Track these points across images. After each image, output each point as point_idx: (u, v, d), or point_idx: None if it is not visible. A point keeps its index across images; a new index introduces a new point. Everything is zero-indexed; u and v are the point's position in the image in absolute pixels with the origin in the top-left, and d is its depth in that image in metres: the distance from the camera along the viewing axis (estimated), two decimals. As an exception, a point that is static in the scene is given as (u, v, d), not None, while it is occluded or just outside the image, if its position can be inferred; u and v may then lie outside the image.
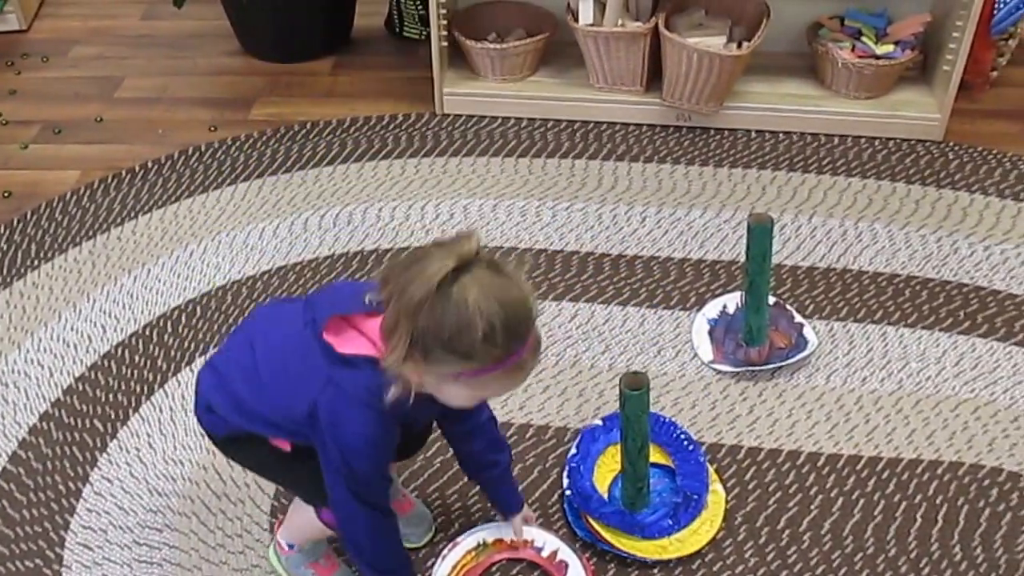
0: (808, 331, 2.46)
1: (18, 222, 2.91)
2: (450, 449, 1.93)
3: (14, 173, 3.13)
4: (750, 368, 2.39)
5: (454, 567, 1.99)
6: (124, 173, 3.08)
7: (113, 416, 2.35)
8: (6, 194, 3.03)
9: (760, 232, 2.25)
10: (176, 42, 3.78)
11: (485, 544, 2.02)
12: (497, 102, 3.28)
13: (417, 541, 2.09)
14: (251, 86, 3.52)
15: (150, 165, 3.11)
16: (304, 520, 1.88)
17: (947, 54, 3.06)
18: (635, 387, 1.86)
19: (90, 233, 2.86)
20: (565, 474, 2.15)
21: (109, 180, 3.06)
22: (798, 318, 2.49)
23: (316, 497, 1.76)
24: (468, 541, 2.01)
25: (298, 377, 1.60)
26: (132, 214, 2.93)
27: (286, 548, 2.00)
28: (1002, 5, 3.08)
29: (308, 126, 3.26)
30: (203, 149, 3.17)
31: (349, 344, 1.57)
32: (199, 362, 2.47)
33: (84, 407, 2.37)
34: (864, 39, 3.16)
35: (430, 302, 1.41)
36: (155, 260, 2.77)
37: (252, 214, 2.91)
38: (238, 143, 3.19)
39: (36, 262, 2.77)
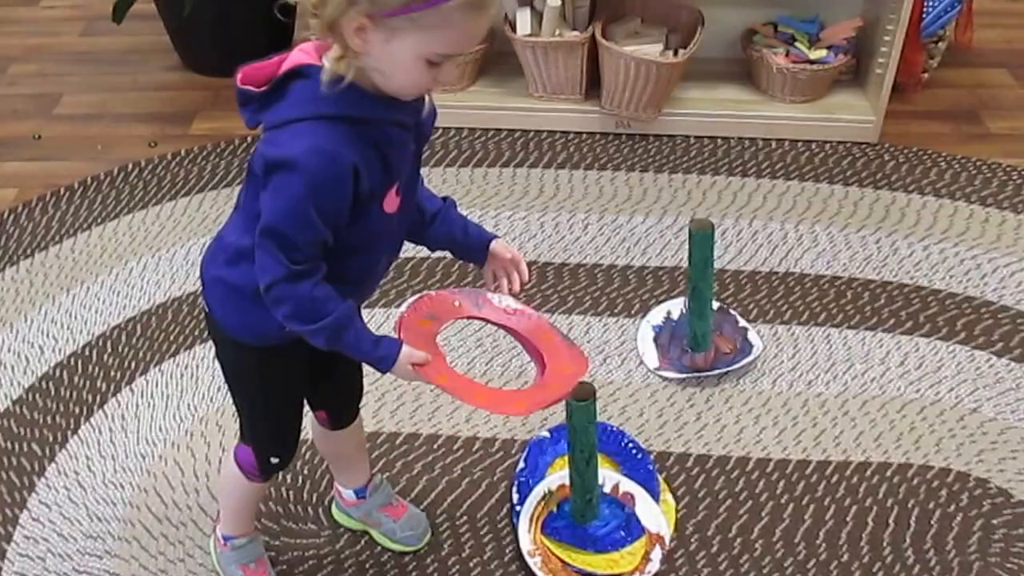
0: (753, 335, 2.37)
1: (-47, 241, 2.75)
2: (442, 449, 1.85)
3: (-49, 191, 2.97)
4: (696, 374, 2.29)
5: (531, 519, 1.94)
6: (63, 190, 2.93)
7: (51, 439, 2.21)
8: (-57, 211, 2.87)
9: (701, 238, 2.16)
10: (116, 58, 3.63)
11: (551, 492, 1.97)
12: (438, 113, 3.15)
13: (416, 543, 1.97)
14: (191, 101, 3.37)
15: (89, 182, 2.97)
16: (229, 491, 1.81)
17: (879, 57, 3.00)
18: (581, 397, 1.76)
19: (28, 251, 2.71)
20: (514, 488, 2.04)
21: (47, 198, 2.91)
22: (742, 323, 2.40)
23: (249, 430, 1.67)
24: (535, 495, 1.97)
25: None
26: (71, 232, 2.78)
27: (222, 542, 1.90)
28: (931, 8, 3.01)
29: (250, 140, 3.12)
30: (143, 165, 3.03)
31: (267, 74, 1.34)
32: (140, 381, 2.34)
33: (22, 430, 2.23)
34: (797, 44, 3.08)
35: None
36: (94, 278, 2.62)
37: (193, 229, 2.77)
38: (178, 158, 3.05)
39: (-30, 282, 2.62)
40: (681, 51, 2.96)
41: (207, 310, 1.56)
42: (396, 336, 1.44)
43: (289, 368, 1.62)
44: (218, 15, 3.33)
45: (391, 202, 1.42)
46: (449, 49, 1.28)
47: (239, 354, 1.58)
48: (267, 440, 1.71)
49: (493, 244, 1.60)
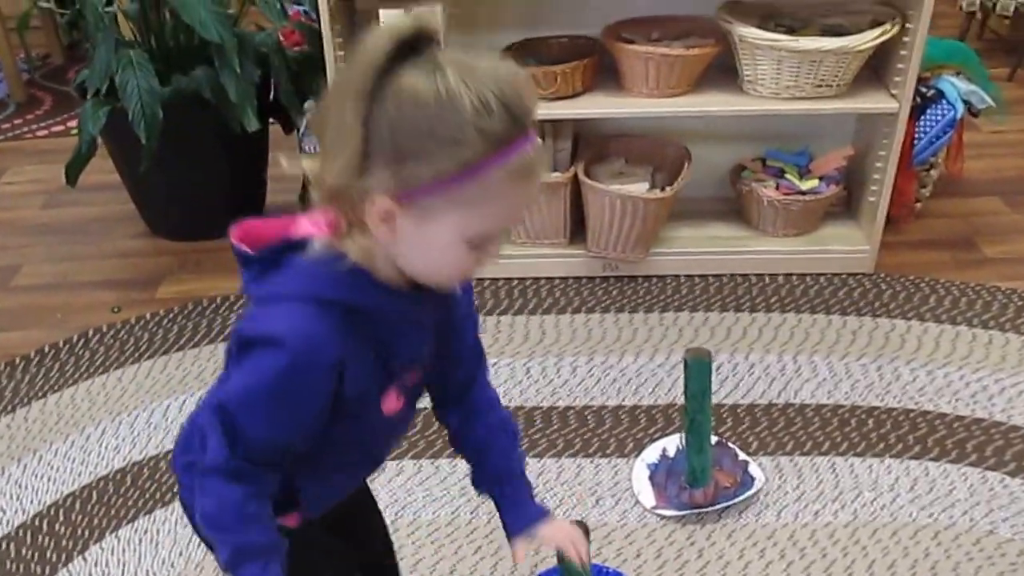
0: (754, 468, 2.37)
1: (-98, 414, 2.76)
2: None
3: (-97, 363, 2.99)
4: (696, 510, 2.27)
5: None
6: (18, 360, 2.96)
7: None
8: None
9: (698, 368, 2.18)
10: (79, 228, 3.71)
11: None
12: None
13: None
14: (158, 266, 3.44)
15: (47, 350, 3.00)
16: None
17: (871, 186, 3.08)
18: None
19: (-21, 422, 2.72)
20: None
21: (2, 368, 2.93)
22: (742, 456, 2.40)
23: None
24: None
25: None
26: (24, 400, 2.79)
27: None
28: (922, 135, 3.12)
29: (218, 300, 3.18)
30: (104, 331, 3.06)
31: (266, 238, 1.22)
32: (94, 549, 2.31)
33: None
34: (788, 176, 3.17)
35: (387, 82, 1.07)
36: (48, 446, 2.62)
37: (156, 392, 2.79)
38: (142, 322, 3.09)
39: (-81, 455, 2.62)
40: (668, 188, 3.04)
41: (186, 508, 1.43)
42: None
43: (306, 554, 1.46)
44: (181, 178, 3.43)
45: (391, 404, 1.33)
46: (495, 226, 1.15)
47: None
48: None
49: (541, 528, 1.49)
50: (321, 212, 1.19)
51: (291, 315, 1.17)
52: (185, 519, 1.44)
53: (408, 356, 1.29)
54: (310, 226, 1.21)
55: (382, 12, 2.69)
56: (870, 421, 2.52)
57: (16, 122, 4.69)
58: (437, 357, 1.37)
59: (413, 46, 1.08)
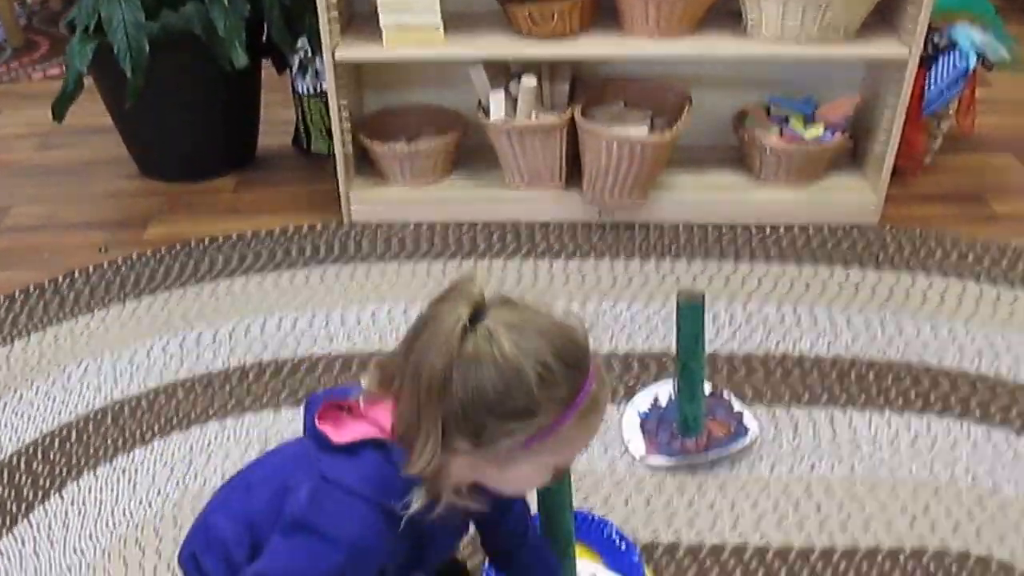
0: (748, 419, 2.27)
1: None
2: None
3: None
4: (687, 459, 2.18)
5: None
6: (1, 299, 2.86)
7: (-31, 552, 2.09)
8: None
9: (690, 310, 2.07)
10: (70, 169, 3.62)
11: None
12: (408, 208, 3.12)
13: None
14: (147, 206, 3.34)
15: (31, 290, 2.90)
16: None
17: (879, 136, 2.96)
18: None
19: (-40, 359, 2.64)
20: (482, 581, 1.92)
21: (-14, 306, 2.84)
22: (737, 406, 2.30)
23: None
24: None
25: (285, 479, 1.32)
26: (6, 340, 2.70)
27: None
28: (932, 85, 3.00)
29: (206, 242, 3.08)
30: (91, 271, 2.97)
31: (349, 432, 1.27)
32: (70, 487, 2.22)
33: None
34: (792, 124, 3.05)
35: (457, 367, 1.13)
36: (29, 385, 2.53)
37: (140, 332, 2.70)
38: (129, 262, 3.00)
39: (-102, 390, 2.53)
40: (667, 132, 2.92)
41: None
42: None
43: None
44: (172, 118, 3.33)
45: None
46: (571, 456, 1.28)
47: None
48: None
49: None
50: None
51: (358, 519, 1.21)
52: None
53: (441, 550, 1.39)
54: (389, 427, 1.24)
55: None
56: (871, 374, 2.42)
57: (12, 65, 4.60)
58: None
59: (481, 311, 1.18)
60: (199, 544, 1.41)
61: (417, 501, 1.20)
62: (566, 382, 1.16)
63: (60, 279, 2.94)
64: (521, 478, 1.23)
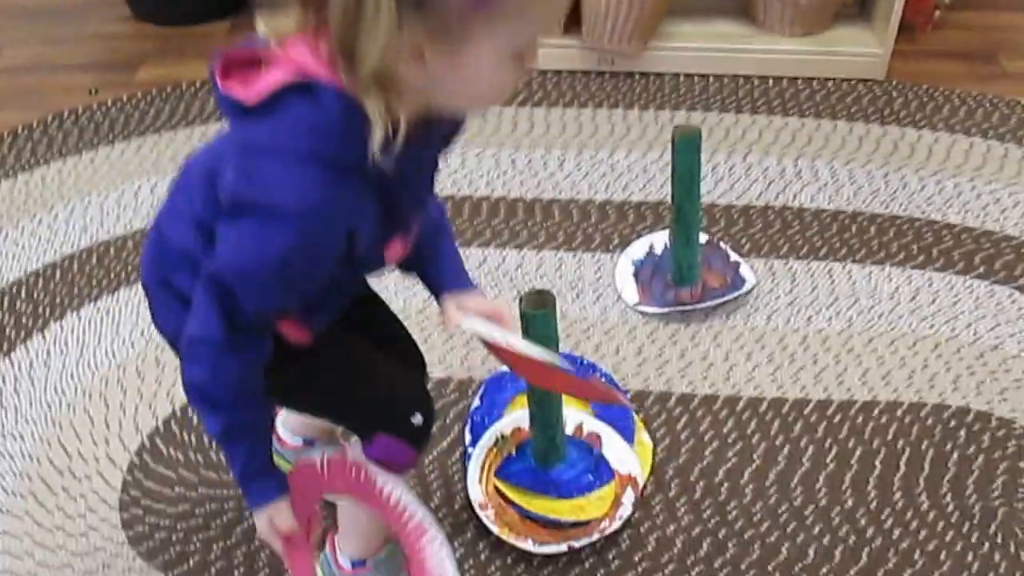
0: (745, 270, 2.14)
1: None
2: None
3: None
4: (681, 308, 2.06)
5: (482, 467, 1.70)
6: (-10, 139, 2.73)
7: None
8: None
9: (686, 145, 1.93)
10: (62, 12, 3.42)
11: (504, 437, 1.73)
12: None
13: None
14: (139, 49, 3.17)
15: (20, 131, 2.76)
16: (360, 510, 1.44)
17: (887, -14, 2.78)
18: (537, 306, 1.52)
19: (-56, 198, 2.51)
20: (467, 429, 1.82)
21: (-27, 146, 2.70)
22: (734, 257, 2.18)
23: (361, 419, 1.29)
24: (485, 441, 1.72)
25: (213, 167, 1.09)
26: (-7, 178, 2.57)
27: (352, 567, 1.52)
28: (944, -66, 2.80)
29: (198, 85, 2.92)
30: (80, 112, 2.82)
31: (262, 83, 1.00)
32: (53, 327, 2.12)
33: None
34: (798, -28, 2.86)
35: None
36: (14, 224, 2.41)
37: (128, 173, 2.56)
38: (119, 104, 2.84)
39: None
40: (669, -22, 2.75)
41: (157, 324, 1.27)
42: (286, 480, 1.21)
43: (324, 353, 1.29)
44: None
45: (395, 251, 1.18)
46: (539, 31, 1.00)
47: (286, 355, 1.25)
48: (384, 408, 1.33)
49: (443, 301, 1.32)
50: (317, 38, 0.98)
51: (297, 181, 0.98)
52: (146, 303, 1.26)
53: (414, 201, 1.16)
54: (307, 60, 0.99)
55: None
56: (872, 228, 2.29)
57: (5, -97, 4.34)
58: None
59: None
60: (167, 264, 1.20)
61: (376, 130, 0.97)
62: None
63: (49, 120, 2.80)
64: (481, 69, 0.97)
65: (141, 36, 3.25)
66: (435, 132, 1.08)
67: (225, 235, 1.05)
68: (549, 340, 1.55)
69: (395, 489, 1.27)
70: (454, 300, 1.31)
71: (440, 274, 1.33)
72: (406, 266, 1.31)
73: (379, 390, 1.30)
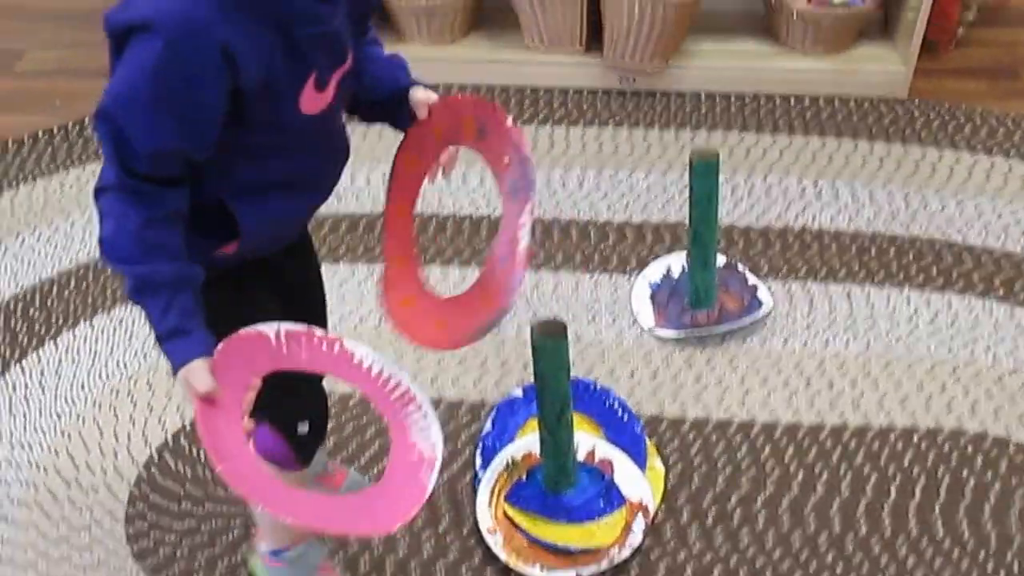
0: (763, 292, 2.08)
1: None
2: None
3: None
4: (697, 332, 2.00)
5: (492, 491, 1.64)
6: (11, 143, 2.68)
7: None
8: None
9: (704, 169, 1.87)
10: (87, 16, 3.36)
11: (515, 462, 1.67)
12: (425, 66, 2.80)
13: None
14: (162, 58, 3.12)
15: (40, 135, 2.72)
16: None
17: (910, 4, 2.70)
18: (550, 335, 1.47)
19: (-37, 203, 2.47)
20: (478, 453, 1.76)
21: (-7, 150, 2.66)
22: (752, 279, 2.11)
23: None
24: (496, 465, 1.66)
25: None
26: (12, 184, 2.53)
27: (271, 559, 1.51)
28: (967, -48, 2.73)
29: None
30: (102, 119, 2.77)
31: None
32: (65, 336, 2.07)
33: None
34: (820, -10, 2.79)
35: None
36: (31, 230, 2.37)
37: (147, 182, 2.51)
38: (141, 112, 2.79)
39: None
40: (691, -6, 2.68)
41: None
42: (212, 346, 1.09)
43: (252, 294, 1.24)
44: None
45: (311, 101, 1.10)
46: None
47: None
48: (280, 403, 1.26)
49: (413, 92, 1.26)
50: None
51: None
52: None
53: (320, 38, 1.07)
54: None
55: None
56: (892, 250, 2.22)
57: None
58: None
59: None
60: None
61: None
62: None
63: (70, 125, 2.76)
64: None
65: (165, 44, 3.20)
66: None
67: (112, 68, 1.02)
68: (561, 370, 1.50)
69: (376, 360, 1.18)
70: (420, 92, 1.27)
71: (391, 78, 1.27)
72: (363, 114, 1.27)
73: (279, 379, 1.18)
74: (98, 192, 1.06)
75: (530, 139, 2.63)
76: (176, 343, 1.07)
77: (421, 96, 1.26)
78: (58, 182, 2.53)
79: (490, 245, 1.15)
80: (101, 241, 1.06)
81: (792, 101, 2.76)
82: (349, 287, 2.16)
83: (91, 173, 2.54)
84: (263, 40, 1.01)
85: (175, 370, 1.08)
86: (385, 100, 1.27)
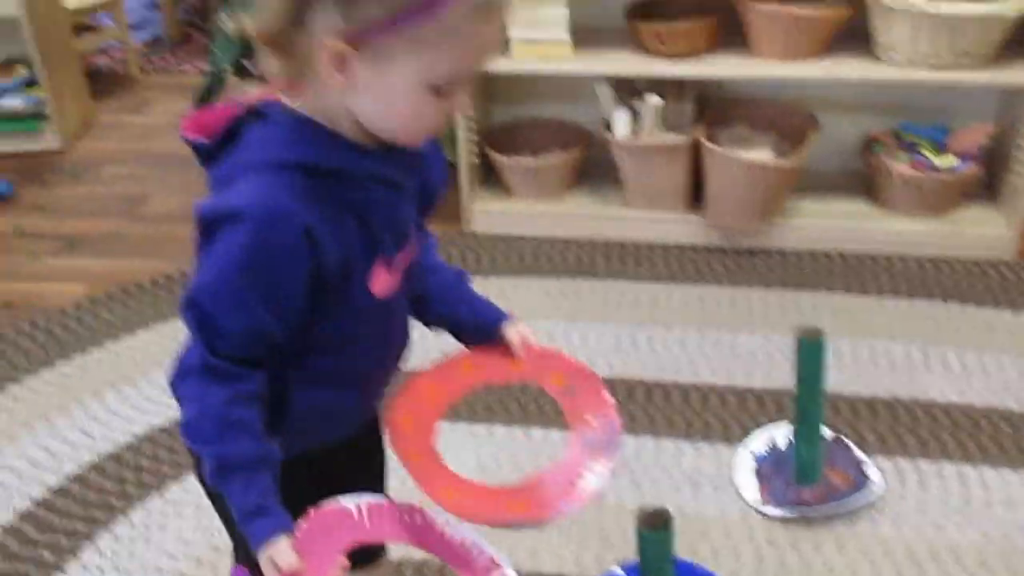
0: (871, 469, 1.96)
1: (12, 332, 2.53)
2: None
3: (19, 284, 2.79)
4: (803, 511, 1.88)
5: None
6: (132, 287, 2.70)
7: (65, 545, 1.92)
8: (6, 304, 2.67)
9: (811, 348, 1.78)
10: (210, 163, 3.44)
11: None
12: (531, 221, 2.87)
13: None
14: (278, 204, 3.14)
15: (160, 280, 2.73)
16: None
17: (1015, 166, 2.61)
18: (654, 526, 1.38)
19: (84, 346, 2.48)
20: (577, 636, 1.66)
21: (115, 294, 2.68)
22: (859, 454, 2.00)
23: (242, 545, 1.14)
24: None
25: None
26: (131, 328, 2.54)
27: None
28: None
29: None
30: (218, 265, 2.77)
31: (218, 121, 1.04)
32: (174, 489, 2.03)
33: (37, 534, 1.95)
34: (922, 152, 2.71)
35: None
36: (145, 376, 2.36)
37: (258, 331, 2.50)
38: (255, 259, 2.80)
39: (20, 375, 2.38)
40: (793, 157, 2.61)
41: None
42: (295, 525, 1.05)
43: (290, 490, 1.18)
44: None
45: (381, 282, 1.10)
46: (458, 68, 0.98)
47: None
48: None
49: (505, 329, 1.25)
50: (272, 78, 1.02)
51: (249, 186, 0.99)
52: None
53: (389, 221, 1.08)
54: (261, 94, 1.04)
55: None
56: (1006, 426, 2.09)
57: (168, 58, 4.48)
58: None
59: None
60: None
61: (307, 109, 1.00)
62: None
63: (188, 272, 2.76)
64: (400, 94, 0.97)
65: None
66: (396, 157, 1.05)
67: (197, 264, 1.04)
68: (666, 561, 1.40)
69: (457, 530, 1.11)
70: (513, 328, 1.26)
71: (484, 310, 1.28)
72: (429, 321, 1.27)
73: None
74: (176, 380, 1.07)
75: (631, 296, 2.56)
76: (258, 522, 1.04)
77: (517, 339, 1.25)
78: (175, 328, 2.51)
79: (538, 471, 1.09)
80: (184, 425, 1.05)
81: (896, 261, 2.67)
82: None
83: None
84: (341, 222, 1.02)
85: (257, 549, 1.04)
86: (468, 324, 1.27)
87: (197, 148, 1.06)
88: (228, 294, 1.01)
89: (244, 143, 1.02)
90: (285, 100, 1.03)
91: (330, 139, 1.02)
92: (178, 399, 1.06)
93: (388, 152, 1.05)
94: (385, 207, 1.07)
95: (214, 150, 1.04)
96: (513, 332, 1.25)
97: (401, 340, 1.23)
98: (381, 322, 1.15)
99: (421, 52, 0.95)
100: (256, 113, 1.03)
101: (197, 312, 1.02)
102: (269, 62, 1.01)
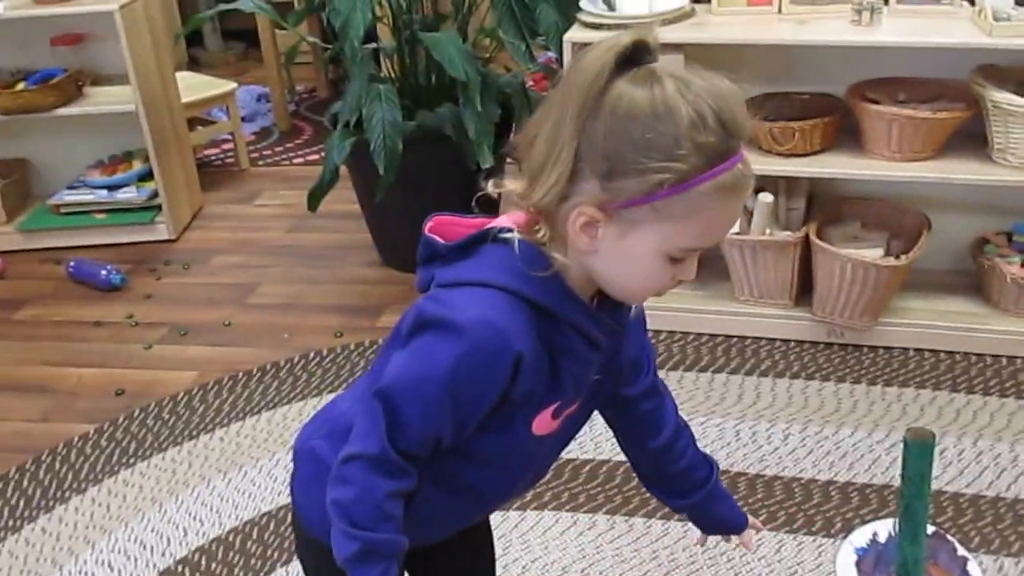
0: (973, 567, 2.05)
1: (124, 419, 2.77)
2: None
3: (132, 372, 3.03)
4: (903, 606, 1.99)
5: None
6: (241, 375, 2.93)
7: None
8: (119, 392, 2.90)
9: (919, 450, 1.89)
10: (317, 253, 3.70)
11: None
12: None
13: None
14: (384, 294, 3.38)
15: (268, 368, 2.96)
16: None
17: None
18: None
19: (194, 433, 2.70)
20: None
21: (225, 381, 2.91)
22: (962, 551, 2.09)
23: None
24: None
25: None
26: (240, 415, 2.75)
27: None
28: None
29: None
30: (324, 354, 3.01)
31: (461, 230, 1.16)
32: (280, 572, 2.21)
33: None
34: (1035, 253, 2.83)
35: (611, 91, 1.03)
36: (254, 463, 2.56)
37: (364, 418, 2.69)
38: (360, 348, 3.02)
39: (132, 460, 2.61)
40: (904, 256, 2.75)
41: (291, 489, 1.34)
42: None
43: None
44: (415, 211, 3.33)
45: (543, 423, 1.20)
46: (698, 241, 1.08)
47: (320, 559, 1.23)
48: None
49: (747, 533, 1.54)
50: (520, 212, 1.14)
51: (478, 300, 1.09)
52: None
53: (577, 373, 1.18)
54: (507, 221, 1.15)
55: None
56: (1114, 530, 2.18)
57: (277, 149, 4.78)
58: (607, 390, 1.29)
59: (632, 59, 1.05)
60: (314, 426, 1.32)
61: (548, 264, 1.10)
62: (717, 138, 1.03)
63: (296, 359, 2.99)
64: (638, 259, 1.07)
65: (388, 282, 3.46)
66: (604, 316, 1.16)
67: (398, 356, 1.12)
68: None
69: None
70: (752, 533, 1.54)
71: (732, 510, 1.53)
72: (670, 502, 1.48)
73: None
74: (346, 459, 1.13)
75: (735, 389, 2.71)
76: None
77: (749, 539, 1.56)
78: (282, 415, 2.73)
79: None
80: (336, 503, 1.13)
81: (1004, 361, 2.77)
82: (537, 534, 2.24)
83: (313, 407, 2.74)
84: (543, 358, 1.13)
85: None
86: (707, 525, 1.54)
87: (432, 247, 1.17)
88: (426, 398, 1.09)
89: (481, 257, 1.13)
90: (528, 233, 1.12)
91: (561, 287, 1.11)
92: (338, 476, 1.13)
93: (599, 310, 1.16)
94: (579, 360, 1.17)
95: (447, 254, 1.16)
96: (749, 538, 1.54)
97: (538, 472, 1.34)
98: (529, 452, 1.24)
99: (666, 224, 1.05)
100: (500, 237, 1.12)
101: (388, 405, 1.10)
102: (514, 192, 1.12)
